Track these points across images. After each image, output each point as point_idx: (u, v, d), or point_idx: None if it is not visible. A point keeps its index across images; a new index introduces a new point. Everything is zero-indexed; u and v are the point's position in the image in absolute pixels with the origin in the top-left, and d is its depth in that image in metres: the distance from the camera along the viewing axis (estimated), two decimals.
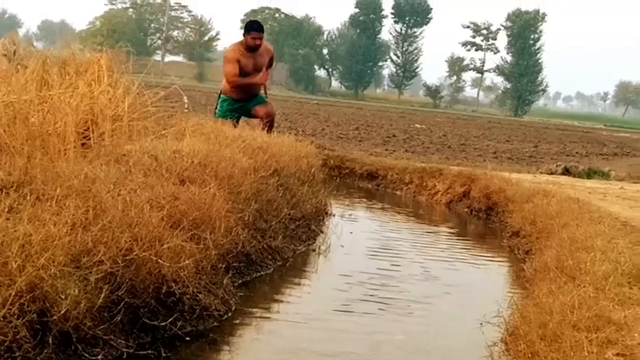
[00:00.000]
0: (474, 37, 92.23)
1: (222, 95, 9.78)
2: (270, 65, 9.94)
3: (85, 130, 5.18)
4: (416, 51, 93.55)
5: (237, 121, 9.43)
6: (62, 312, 2.78)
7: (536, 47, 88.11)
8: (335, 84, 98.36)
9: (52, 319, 2.77)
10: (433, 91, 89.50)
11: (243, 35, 9.37)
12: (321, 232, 6.27)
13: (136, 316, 3.28)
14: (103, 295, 2.98)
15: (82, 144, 5.05)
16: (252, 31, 9.39)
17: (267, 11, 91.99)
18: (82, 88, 5.41)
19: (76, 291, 2.85)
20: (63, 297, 2.80)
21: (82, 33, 78.33)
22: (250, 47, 9.30)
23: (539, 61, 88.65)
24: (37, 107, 4.91)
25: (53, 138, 4.69)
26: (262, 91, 9.95)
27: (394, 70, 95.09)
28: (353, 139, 17.33)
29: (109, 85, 5.74)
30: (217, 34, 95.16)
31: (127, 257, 3.21)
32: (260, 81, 9.63)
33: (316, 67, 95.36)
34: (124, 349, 3.08)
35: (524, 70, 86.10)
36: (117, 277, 3.12)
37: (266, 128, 9.19)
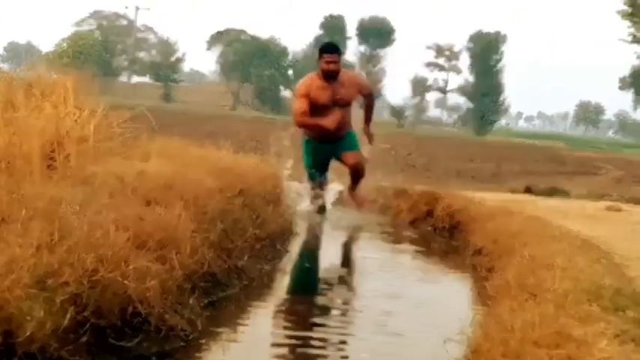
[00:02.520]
0: (436, 57, 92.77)
1: (305, 137, 8.54)
2: (368, 106, 8.56)
3: (50, 152, 5.18)
4: (380, 72, 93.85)
5: (325, 169, 8.59)
6: (27, 334, 2.78)
7: (498, 68, 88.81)
8: None
9: (17, 340, 2.77)
10: (397, 112, 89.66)
11: (318, 61, 8.12)
12: (287, 251, 6.29)
13: (102, 336, 3.28)
14: (68, 317, 2.98)
15: (48, 166, 5.04)
16: (325, 52, 8.06)
17: (232, 33, 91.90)
18: (48, 110, 5.41)
19: (42, 312, 2.85)
20: (28, 319, 2.80)
21: (48, 55, 77.97)
22: (325, 74, 7.99)
23: (501, 81, 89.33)
24: (3, 129, 4.91)
25: (19, 160, 4.68)
26: (360, 130, 8.52)
27: None
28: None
29: (75, 107, 5.74)
30: (183, 55, 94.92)
31: (93, 278, 3.21)
32: (329, 124, 8.06)
33: (282, 87, 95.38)
34: None
35: (487, 90, 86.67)
36: (82, 298, 3.12)
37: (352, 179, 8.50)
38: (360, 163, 8.43)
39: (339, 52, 8.20)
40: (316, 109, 8.05)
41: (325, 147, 8.40)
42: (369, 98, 8.66)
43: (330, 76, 7.99)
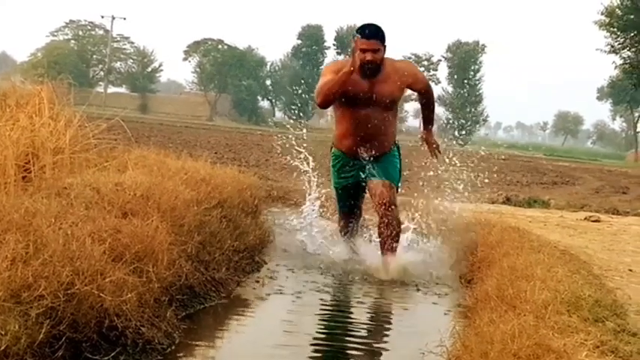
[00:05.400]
0: None
1: (332, 149, 6.64)
2: (426, 105, 6.47)
3: (25, 163, 5.14)
4: None
5: (358, 198, 6.65)
6: (2, 348, 2.74)
7: (477, 78, 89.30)
8: (278, 114, 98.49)
9: None
10: None
11: (352, 50, 5.96)
12: (265, 263, 6.26)
13: (78, 350, 3.24)
14: (44, 331, 2.94)
15: (23, 177, 5.00)
16: (362, 38, 5.86)
17: (210, 42, 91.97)
18: (23, 121, 5.37)
19: (17, 326, 2.82)
20: (3, 333, 2.76)
21: (23, 65, 77.72)
22: (362, 67, 5.88)
23: (480, 91, 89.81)
24: None
25: None
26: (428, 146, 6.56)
27: None
28: (297, 169, 17.34)
29: (51, 118, 5.70)
30: (160, 65, 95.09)
31: (69, 291, 3.17)
32: (354, 65, 5.85)
33: (260, 97, 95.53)
34: None
35: (465, 101, 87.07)
36: (58, 312, 3.08)
37: (384, 223, 6.17)
38: (390, 201, 6.18)
39: (382, 37, 5.95)
40: (347, 102, 6.10)
41: (355, 161, 6.39)
42: (426, 95, 6.46)
43: (367, 71, 5.94)
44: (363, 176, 6.35)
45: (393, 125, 6.35)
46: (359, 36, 5.88)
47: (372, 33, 5.89)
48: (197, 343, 4.07)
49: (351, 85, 5.95)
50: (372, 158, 6.28)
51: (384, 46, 5.97)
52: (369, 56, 5.83)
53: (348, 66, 5.90)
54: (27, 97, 5.98)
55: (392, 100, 6.14)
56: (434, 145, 6.52)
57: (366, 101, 6.03)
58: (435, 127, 6.60)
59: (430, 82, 6.39)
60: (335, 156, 6.56)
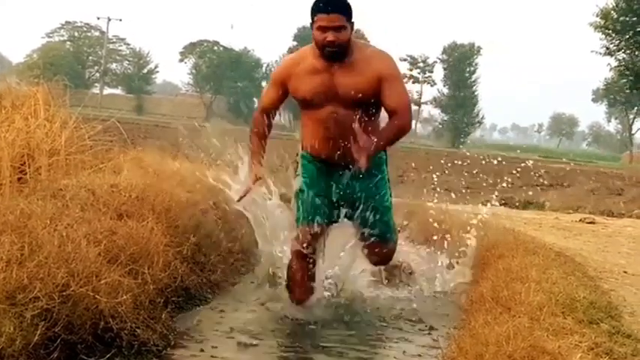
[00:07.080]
0: (410, 69, 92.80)
1: (301, 151, 5.02)
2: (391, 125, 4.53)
3: (21, 164, 5.14)
4: None
5: (328, 215, 4.80)
6: None
7: (472, 80, 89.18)
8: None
9: None
10: None
11: (311, 27, 4.54)
12: (261, 263, 6.25)
13: (73, 352, 3.24)
14: (39, 332, 2.94)
15: (18, 179, 5.00)
16: (320, 12, 4.44)
17: (205, 44, 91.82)
18: (19, 122, 5.37)
19: (12, 328, 2.82)
20: None
21: (18, 66, 77.48)
22: (323, 49, 4.47)
23: (475, 93, 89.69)
24: None
25: None
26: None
27: None
28: (293, 171, 17.33)
29: (46, 119, 5.70)
30: (156, 66, 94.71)
31: (64, 293, 3.17)
32: (251, 179, 5.19)
33: (255, 99, 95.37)
34: None
35: (461, 102, 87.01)
36: (53, 314, 3.08)
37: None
38: (388, 259, 5.38)
39: (346, 11, 4.47)
40: (304, 105, 4.75)
41: (333, 176, 4.80)
42: (395, 114, 4.54)
43: (330, 55, 4.49)
44: (339, 194, 4.80)
45: (371, 129, 4.54)
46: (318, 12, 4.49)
47: (334, 5, 4.43)
48: (192, 345, 4.06)
49: (302, 87, 4.66)
50: (348, 171, 4.64)
51: (351, 24, 4.49)
52: (330, 36, 4.40)
53: (249, 181, 5.16)
54: (22, 99, 5.98)
55: (361, 96, 4.49)
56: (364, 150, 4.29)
57: (327, 97, 4.58)
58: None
59: (410, 99, 4.81)
60: (303, 157, 5.03)
